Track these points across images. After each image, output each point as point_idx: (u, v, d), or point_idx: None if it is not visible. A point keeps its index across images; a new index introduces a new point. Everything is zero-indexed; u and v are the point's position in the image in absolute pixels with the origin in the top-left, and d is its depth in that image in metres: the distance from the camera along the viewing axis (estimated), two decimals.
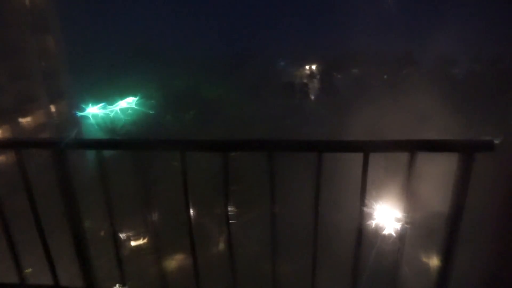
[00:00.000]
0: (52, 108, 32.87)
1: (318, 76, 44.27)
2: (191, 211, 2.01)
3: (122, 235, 19.67)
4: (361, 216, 1.88)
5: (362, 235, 1.91)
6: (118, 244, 2.16)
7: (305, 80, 44.07)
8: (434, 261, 18.25)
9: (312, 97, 42.59)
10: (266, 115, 29.92)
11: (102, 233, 16.88)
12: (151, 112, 32.89)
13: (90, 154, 2.00)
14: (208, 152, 2.16)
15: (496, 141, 1.59)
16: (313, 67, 45.68)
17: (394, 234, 17.63)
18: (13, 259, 2.14)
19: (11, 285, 2.27)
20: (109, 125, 30.59)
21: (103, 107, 35.84)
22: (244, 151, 2.19)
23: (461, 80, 31.18)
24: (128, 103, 36.49)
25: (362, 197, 1.82)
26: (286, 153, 1.89)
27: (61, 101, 33.39)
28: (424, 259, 18.04)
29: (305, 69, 46.26)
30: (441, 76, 30.76)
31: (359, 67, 41.10)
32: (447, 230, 1.76)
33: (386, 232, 18.66)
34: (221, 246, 19.34)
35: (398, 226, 17.05)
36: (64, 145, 1.92)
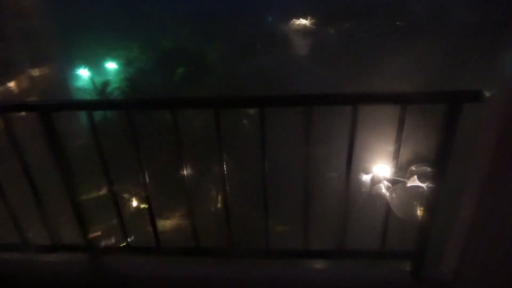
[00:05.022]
0: (36, 72, 31.83)
1: (308, 31, 43.07)
2: (189, 170, 2.04)
3: (125, 196, 19.64)
4: (349, 170, 1.89)
5: (350, 189, 1.95)
6: (117, 204, 2.18)
7: (295, 35, 42.89)
8: (420, 213, 18.90)
9: (303, 53, 41.70)
10: (256, 71, 29.37)
11: (103, 194, 16.70)
12: (139, 72, 32.19)
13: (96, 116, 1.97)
14: (199, 109, 2.15)
15: (488, 93, 1.59)
16: (303, 21, 44.24)
17: (384, 187, 18.09)
18: (13, 220, 2.18)
19: (10, 245, 2.33)
20: (97, 87, 29.92)
21: (90, 69, 34.91)
22: (236, 108, 2.17)
23: (457, 31, 30.48)
24: (115, 64, 35.56)
25: (349, 151, 1.84)
26: (277, 108, 1.88)
27: (45, 64, 32.26)
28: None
29: (294, 23, 44.82)
30: (437, 27, 30.03)
31: (351, 20, 39.90)
32: (432, 182, 1.80)
33: (376, 185, 19.13)
34: (219, 204, 19.56)
35: (388, 179, 17.46)
36: (52, 106, 1.89)
